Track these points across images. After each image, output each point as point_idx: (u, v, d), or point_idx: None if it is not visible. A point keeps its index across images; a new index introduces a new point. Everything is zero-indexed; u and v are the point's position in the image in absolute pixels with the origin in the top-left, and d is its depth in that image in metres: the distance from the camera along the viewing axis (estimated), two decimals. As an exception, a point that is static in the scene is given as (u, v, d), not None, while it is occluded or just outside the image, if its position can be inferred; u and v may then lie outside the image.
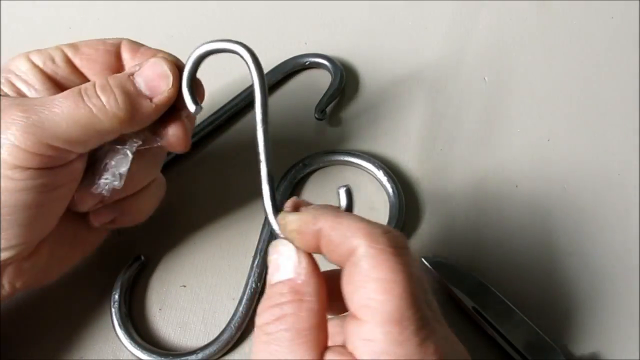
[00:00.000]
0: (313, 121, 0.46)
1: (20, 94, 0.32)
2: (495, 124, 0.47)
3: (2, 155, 0.28)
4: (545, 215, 0.42)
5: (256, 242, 0.40)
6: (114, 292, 0.38)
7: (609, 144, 0.46)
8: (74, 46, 0.33)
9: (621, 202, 0.43)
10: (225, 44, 0.31)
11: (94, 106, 0.29)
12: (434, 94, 0.48)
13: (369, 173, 0.43)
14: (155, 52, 0.33)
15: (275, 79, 0.48)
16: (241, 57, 0.31)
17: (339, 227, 0.26)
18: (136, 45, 0.33)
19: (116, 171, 0.32)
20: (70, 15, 0.53)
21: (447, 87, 0.48)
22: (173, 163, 0.44)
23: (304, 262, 0.27)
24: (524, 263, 0.40)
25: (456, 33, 0.52)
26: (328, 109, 0.46)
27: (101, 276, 0.39)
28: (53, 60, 0.32)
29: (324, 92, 0.46)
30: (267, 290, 0.27)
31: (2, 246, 0.30)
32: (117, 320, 0.37)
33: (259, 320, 0.27)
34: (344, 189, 0.28)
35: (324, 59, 0.48)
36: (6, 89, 0.31)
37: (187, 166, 0.44)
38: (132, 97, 0.30)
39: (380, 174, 0.42)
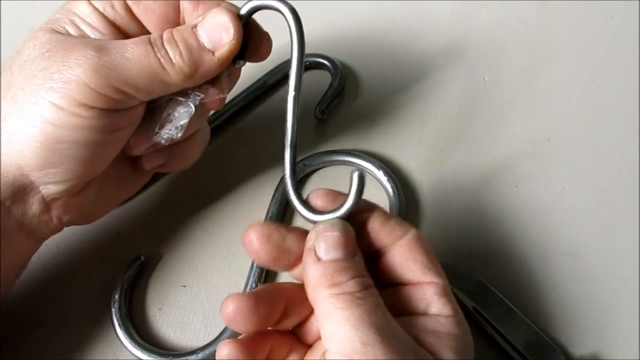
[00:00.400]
0: (313, 121, 0.46)
1: (85, 37, 0.32)
2: (495, 124, 0.47)
3: (69, 92, 0.29)
4: (545, 215, 0.42)
5: (256, 242, 0.40)
6: (114, 292, 0.38)
7: (609, 144, 0.46)
8: None
9: (621, 202, 0.43)
10: (270, 1, 0.32)
11: (162, 57, 0.30)
12: (433, 93, 0.48)
13: (369, 173, 0.43)
14: (218, 3, 0.32)
15: (275, 79, 0.47)
16: (284, 16, 0.32)
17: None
18: None
19: (178, 123, 0.33)
20: (70, 15, 0.53)
21: (447, 87, 0.48)
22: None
23: (358, 256, 0.28)
24: (524, 263, 0.40)
25: (456, 33, 0.52)
26: (328, 109, 0.46)
27: (101, 276, 0.39)
28: (113, 7, 0.32)
29: (324, 92, 0.46)
30: (344, 263, 0.27)
31: (56, 179, 0.31)
32: (117, 320, 0.37)
33: (343, 288, 0.26)
34: (357, 172, 0.29)
35: (324, 59, 0.48)
36: (71, 30, 0.32)
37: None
38: (195, 52, 0.31)
39: (380, 174, 0.42)
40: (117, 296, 0.37)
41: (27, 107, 0.29)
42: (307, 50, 0.49)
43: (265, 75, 0.47)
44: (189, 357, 0.36)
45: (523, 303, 0.38)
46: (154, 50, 0.30)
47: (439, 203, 0.43)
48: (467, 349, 0.28)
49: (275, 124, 0.46)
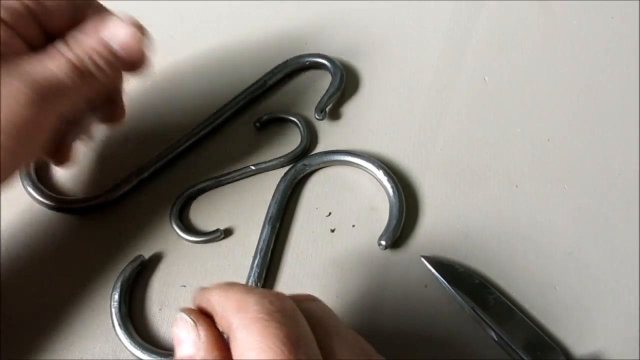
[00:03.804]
0: (313, 121, 0.46)
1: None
2: (495, 124, 0.47)
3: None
4: (545, 215, 0.42)
5: (256, 242, 0.40)
6: (114, 292, 0.38)
7: (609, 144, 0.46)
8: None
9: (621, 202, 0.43)
10: None
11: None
12: (434, 93, 0.48)
13: (369, 173, 0.43)
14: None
15: (275, 79, 0.48)
16: None
17: (223, 301, 0.27)
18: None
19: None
20: (70, 15, 0.52)
21: (447, 87, 0.48)
22: (171, 163, 0.44)
23: (203, 336, 0.27)
24: (524, 263, 0.40)
25: (456, 33, 0.52)
26: (328, 109, 0.46)
27: (101, 276, 0.39)
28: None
29: (324, 92, 0.46)
30: None
31: None
32: (117, 320, 0.37)
33: None
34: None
35: (324, 59, 0.48)
36: None
37: (185, 166, 0.44)
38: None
39: (380, 174, 0.42)
40: (117, 296, 0.37)
41: None
42: (308, 50, 0.50)
43: (266, 75, 0.47)
44: (189, 357, 0.36)
45: (523, 303, 0.38)
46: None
47: (439, 203, 0.43)
48: None
49: (274, 123, 0.46)
